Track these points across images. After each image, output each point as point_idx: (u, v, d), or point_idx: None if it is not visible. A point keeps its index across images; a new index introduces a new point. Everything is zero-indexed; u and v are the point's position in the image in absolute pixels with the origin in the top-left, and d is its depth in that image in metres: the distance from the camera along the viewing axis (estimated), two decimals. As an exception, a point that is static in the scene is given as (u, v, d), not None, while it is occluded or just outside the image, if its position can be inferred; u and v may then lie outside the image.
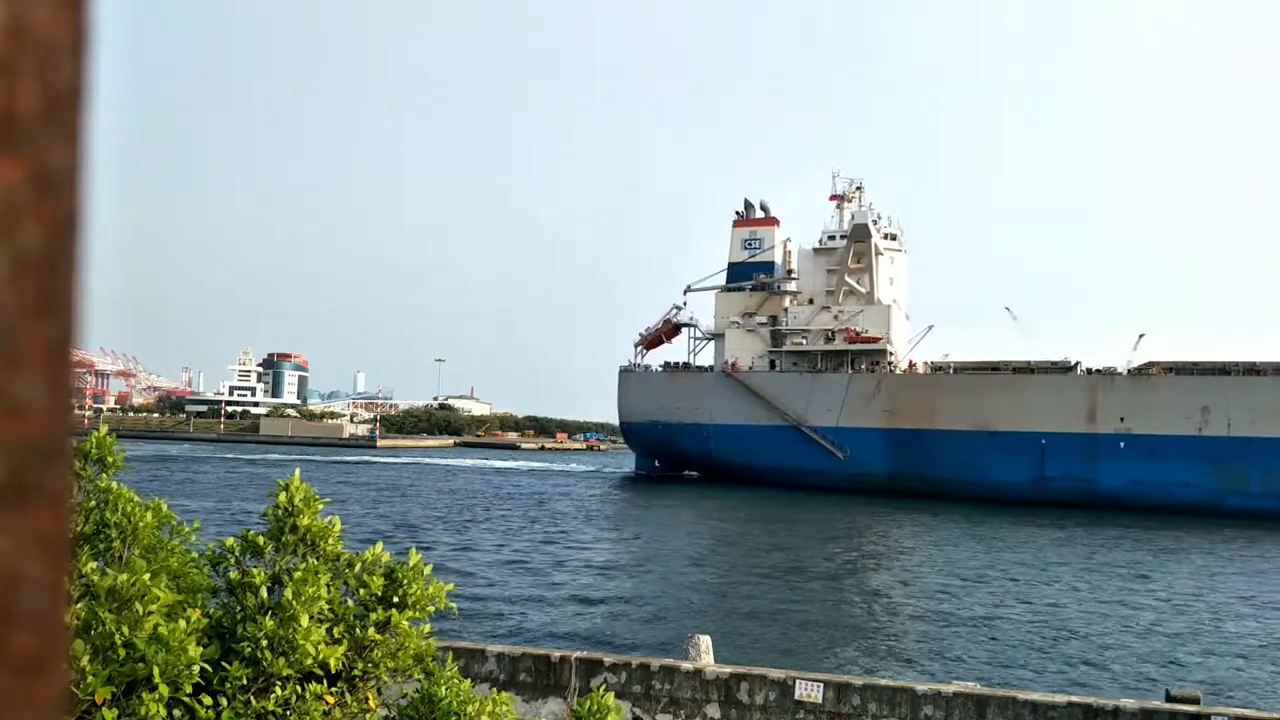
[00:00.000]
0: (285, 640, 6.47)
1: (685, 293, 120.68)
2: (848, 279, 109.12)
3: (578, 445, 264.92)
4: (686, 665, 15.94)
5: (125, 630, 5.76)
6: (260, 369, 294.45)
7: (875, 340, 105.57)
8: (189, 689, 5.89)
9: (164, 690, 5.69)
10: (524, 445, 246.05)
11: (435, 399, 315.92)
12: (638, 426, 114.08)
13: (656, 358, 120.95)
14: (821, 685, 15.19)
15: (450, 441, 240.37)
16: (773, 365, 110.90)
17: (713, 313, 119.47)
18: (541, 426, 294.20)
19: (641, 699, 15.61)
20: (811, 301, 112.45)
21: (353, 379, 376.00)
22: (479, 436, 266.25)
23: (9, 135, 0.65)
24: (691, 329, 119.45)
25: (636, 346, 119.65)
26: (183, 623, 5.96)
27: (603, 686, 9.83)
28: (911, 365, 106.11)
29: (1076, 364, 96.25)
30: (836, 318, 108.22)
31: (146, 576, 6.12)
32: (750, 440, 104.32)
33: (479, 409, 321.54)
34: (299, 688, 6.52)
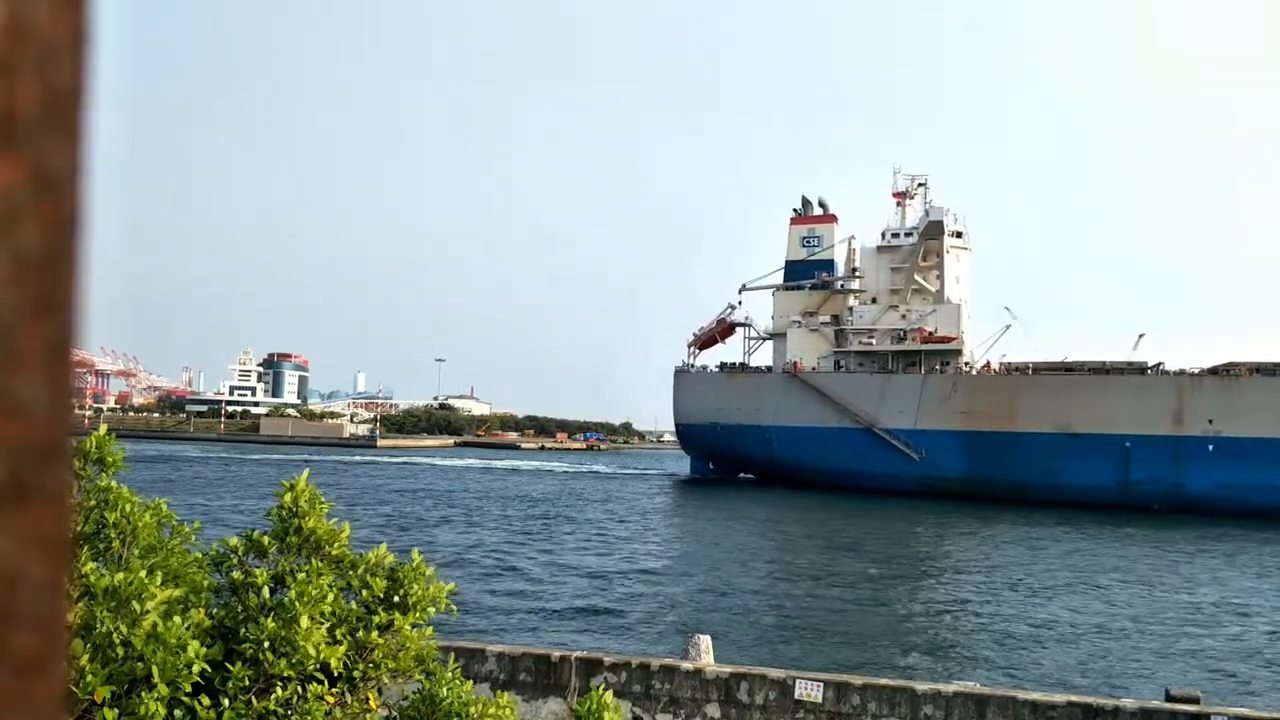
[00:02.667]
0: (287, 641, 6.47)
1: (740, 291, 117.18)
2: (917, 277, 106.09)
3: (578, 445, 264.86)
4: (686, 665, 15.94)
5: (124, 629, 5.76)
6: (260, 369, 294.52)
7: (949, 340, 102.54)
8: (188, 688, 5.89)
9: (163, 689, 5.70)
10: (524, 445, 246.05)
11: (435, 399, 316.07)
12: (694, 428, 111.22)
13: (707, 359, 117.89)
14: (821, 685, 15.18)
15: (450, 441, 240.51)
16: (837, 366, 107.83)
17: (769, 312, 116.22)
18: (541, 426, 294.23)
19: (641, 698, 15.61)
20: (875, 300, 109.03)
21: (353, 379, 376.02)
22: (479, 436, 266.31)
23: (9, 135, 0.65)
24: (747, 328, 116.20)
25: (689, 347, 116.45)
26: (179, 619, 5.96)
27: (603, 686, 9.83)
28: (988, 366, 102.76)
29: (1159, 365, 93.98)
30: (904, 317, 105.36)
31: (144, 575, 6.12)
32: (816, 443, 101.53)
33: (479, 409, 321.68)
34: (300, 688, 6.53)
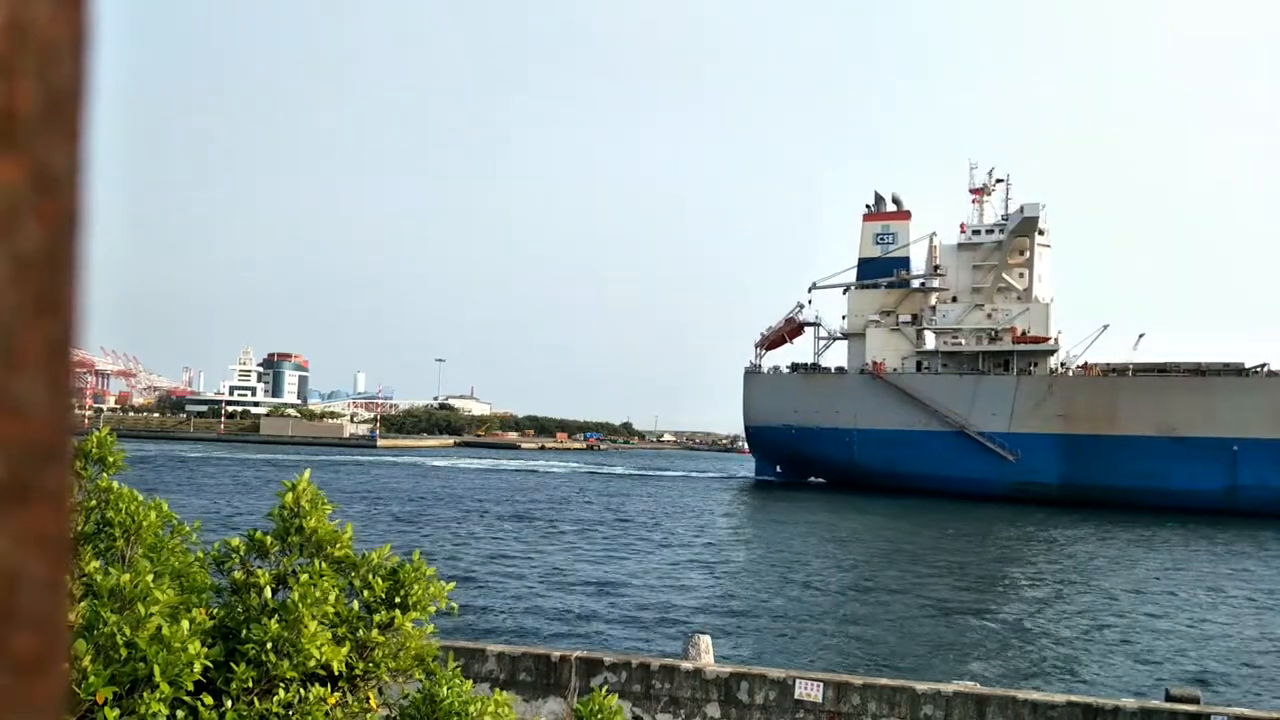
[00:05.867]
0: (290, 643, 6.47)
1: (810, 290, 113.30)
2: (1005, 275, 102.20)
3: (578, 445, 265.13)
4: (686, 665, 15.94)
5: (127, 630, 5.76)
6: (260, 369, 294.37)
7: (1043, 340, 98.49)
8: (190, 687, 5.89)
9: (166, 689, 5.69)
10: (524, 445, 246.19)
11: (435, 399, 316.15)
12: (766, 430, 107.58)
13: (768, 359, 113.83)
14: (821, 684, 15.18)
15: (450, 441, 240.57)
16: (919, 366, 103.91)
17: (842, 311, 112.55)
18: (541, 426, 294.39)
19: (641, 698, 15.61)
20: (955, 299, 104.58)
21: (353, 379, 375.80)
22: (479, 436, 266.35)
23: (9, 135, 0.65)
24: (817, 328, 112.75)
25: (757, 347, 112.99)
26: (186, 623, 5.96)
27: (604, 686, 9.84)
28: (1087, 366, 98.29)
29: (1264, 365, 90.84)
30: (990, 316, 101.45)
31: (150, 577, 6.11)
32: (902, 446, 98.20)
33: (479, 409, 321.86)
34: (301, 689, 6.52)
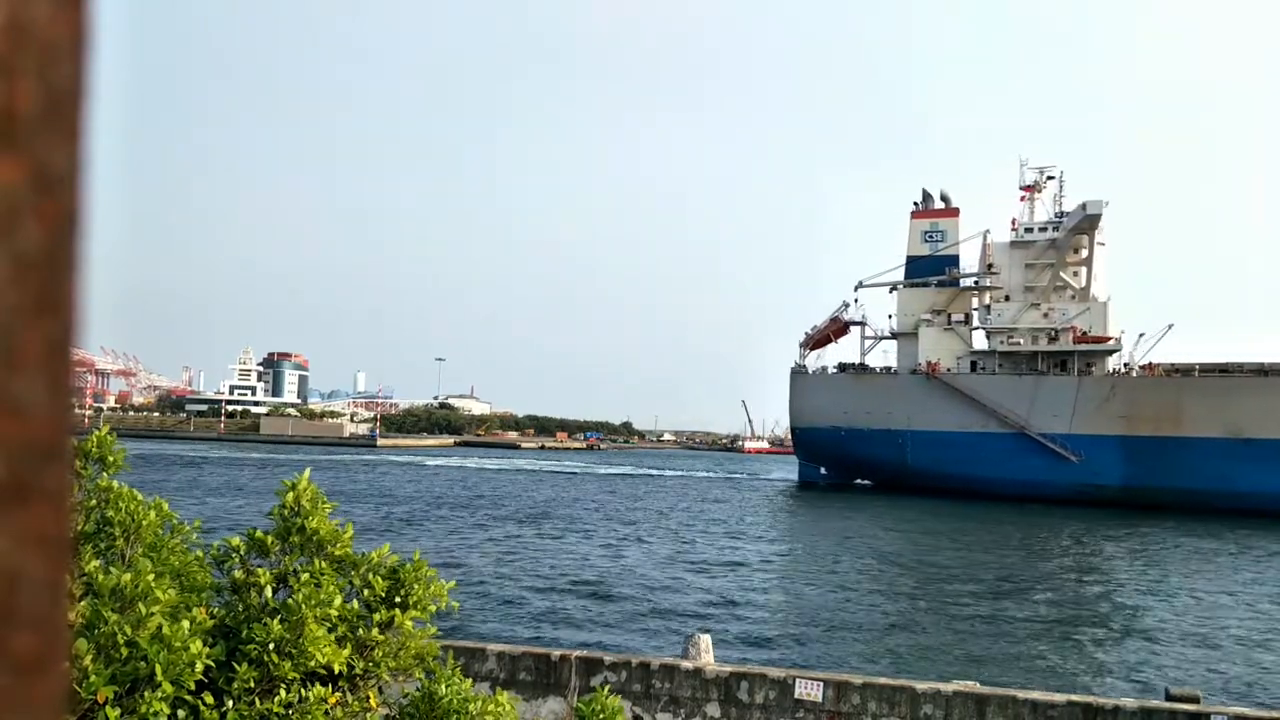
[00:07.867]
0: (292, 644, 6.47)
1: (856, 289, 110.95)
2: (1063, 274, 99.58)
3: (578, 444, 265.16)
4: (686, 664, 15.94)
5: (128, 629, 5.76)
6: (260, 368, 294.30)
7: (1105, 340, 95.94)
8: (191, 686, 5.88)
9: (168, 688, 5.69)
10: (524, 444, 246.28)
11: (435, 398, 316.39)
12: (814, 432, 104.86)
13: (811, 359, 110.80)
14: (821, 684, 15.18)
15: (450, 441, 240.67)
16: (974, 367, 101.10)
17: (891, 310, 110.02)
18: (541, 426, 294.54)
19: (641, 698, 15.61)
20: (1008, 298, 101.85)
21: (353, 378, 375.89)
22: (479, 435, 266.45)
23: (9, 135, 0.65)
24: (863, 327, 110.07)
25: (802, 347, 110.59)
26: (186, 623, 5.96)
27: (604, 686, 9.84)
28: (1150, 367, 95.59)
29: None
30: (1046, 315, 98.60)
31: (150, 576, 6.11)
32: (958, 448, 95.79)
33: (479, 408, 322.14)
34: (302, 689, 6.52)
